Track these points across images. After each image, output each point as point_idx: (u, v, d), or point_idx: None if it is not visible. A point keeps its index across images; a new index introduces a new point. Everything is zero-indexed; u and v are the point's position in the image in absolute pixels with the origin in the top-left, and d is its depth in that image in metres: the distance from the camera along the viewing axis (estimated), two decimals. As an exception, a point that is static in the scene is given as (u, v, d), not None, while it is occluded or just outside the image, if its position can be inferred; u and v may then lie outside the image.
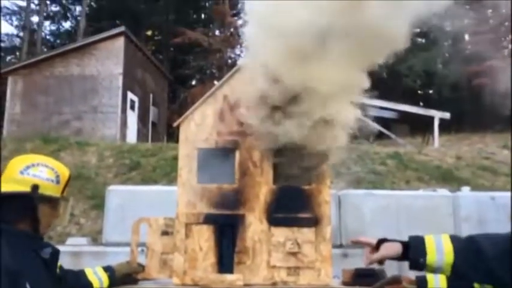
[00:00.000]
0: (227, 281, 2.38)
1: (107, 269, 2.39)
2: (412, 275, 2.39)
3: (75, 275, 2.31)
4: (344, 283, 2.53)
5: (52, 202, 2.01)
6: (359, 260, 3.82)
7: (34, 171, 1.97)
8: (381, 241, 1.84)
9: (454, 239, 1.72)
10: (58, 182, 2.02)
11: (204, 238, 2.48)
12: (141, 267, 2.52)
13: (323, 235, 2.47)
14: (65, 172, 2.08)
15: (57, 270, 2.14)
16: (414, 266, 1.75)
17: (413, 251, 1.73)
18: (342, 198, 4.20)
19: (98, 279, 2.32)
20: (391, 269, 3.63)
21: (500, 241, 1.67)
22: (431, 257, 1.69)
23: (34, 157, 2.10)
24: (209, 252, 2.47)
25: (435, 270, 1.73)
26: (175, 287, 2.44)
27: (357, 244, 2.00)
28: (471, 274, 1.68)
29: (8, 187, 1.91)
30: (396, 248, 1.79)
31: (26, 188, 1.92)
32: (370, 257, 1.86)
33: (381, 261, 1.85)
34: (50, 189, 1.98)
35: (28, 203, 1.93)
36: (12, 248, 1.83)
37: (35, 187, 1.92)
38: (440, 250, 1.68)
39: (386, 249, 1.81)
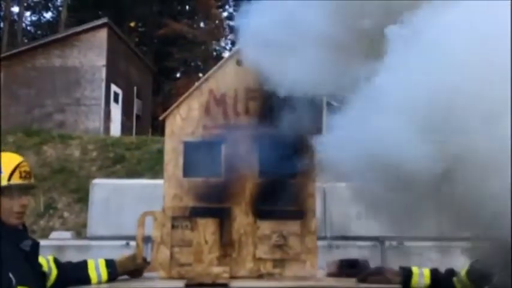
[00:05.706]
0: (213, 273, 2.38)
1: (109, 265, 2.35)
2: (396, 266, 2.44)
3: (76, 267, 2.31)
4: (329, 274, 2.56)
5: (5, 191, 2.02)
6: (343, 252, 3.88)
7: None
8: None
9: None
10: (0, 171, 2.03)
11: (209, 231, 2.48)
12: (147, 263, 2.48)
13: (308, 228, 2.50)
14: (9, 160, 2.08)
15: (47, 264, 2.17)
16: None
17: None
18: (327, 191, 4.23)
19: (97, 275, 2.31)
20: (375, 260, 3.68)
21: None
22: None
23: None
24: (214, 245, 2.48)
25: None
26: (162, 280, 2.45)
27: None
28: None
29: None
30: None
31: None
32: None
33: None
34: None
35: None
36: None
37: None
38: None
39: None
